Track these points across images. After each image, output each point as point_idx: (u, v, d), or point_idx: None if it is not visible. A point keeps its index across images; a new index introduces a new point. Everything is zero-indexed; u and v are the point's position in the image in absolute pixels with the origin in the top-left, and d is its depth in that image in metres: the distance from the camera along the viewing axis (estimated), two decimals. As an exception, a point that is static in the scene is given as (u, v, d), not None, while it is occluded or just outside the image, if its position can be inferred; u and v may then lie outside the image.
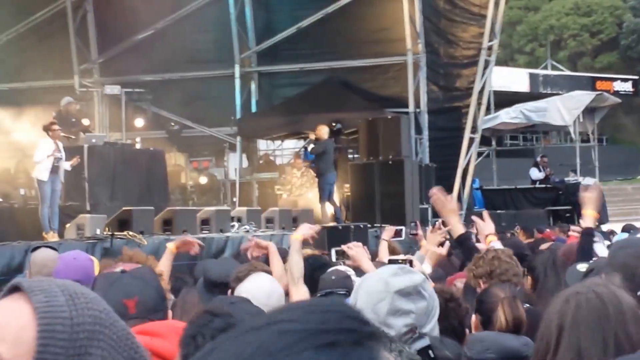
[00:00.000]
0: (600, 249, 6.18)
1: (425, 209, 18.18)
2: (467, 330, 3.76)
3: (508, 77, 37.21)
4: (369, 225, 15.07)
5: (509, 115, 23.78)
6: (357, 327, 0.93)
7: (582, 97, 23.86)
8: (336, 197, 17.17)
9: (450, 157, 19.43)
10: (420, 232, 7.50)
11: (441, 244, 5.68)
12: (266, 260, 5.62)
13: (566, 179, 23.80)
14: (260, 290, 3.97)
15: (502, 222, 17.91)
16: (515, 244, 7.82)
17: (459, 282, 5.55)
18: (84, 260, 4.71)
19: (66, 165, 12.93)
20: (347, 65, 20.46)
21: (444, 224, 5.85)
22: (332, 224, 15.55)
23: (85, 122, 16.52)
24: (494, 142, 25.37)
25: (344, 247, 5.33)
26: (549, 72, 42.21)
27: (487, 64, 19.89)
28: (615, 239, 9.60)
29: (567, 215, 20.95)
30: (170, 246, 5.67)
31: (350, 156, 20.23)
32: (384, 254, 6.70)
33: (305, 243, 5.45)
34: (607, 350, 2.19)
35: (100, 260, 5.71)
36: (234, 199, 19.02)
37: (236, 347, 0.91)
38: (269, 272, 4.87)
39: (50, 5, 21.32)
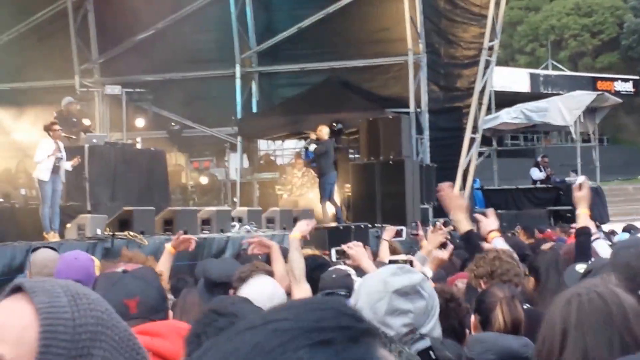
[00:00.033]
0: (603, 246, 6.16)
1: (426, 209, 18.20)
2: (467, 331, 3.76)
3: (509, 77, 37.19)
4: (369, 226, 15.07)
5: (509, 116, 23.77)
6: (353, 325, 0.93)
7: (583, 97, 23.85)
8: (337, 197, 17.16)
9: (451, 157, 19.43)
10: (421, 232, 7.50)
11: (442, 245, 5.68)
12: (267, 260, 5.63)
13: (567, 179, 23.77)
14: (263, 293, 3.97)
15: (503, 222, 17.83)
16: (516, 244, 7.81)
17: (460, 282, 5.55)
18: (85, 260, 4.72)
19: (67, 166, 12.93)
20: (348, 65, 20.46)
21: (444, 224, 5.85)
22: (332, 224, 15.55)
23: (86, 122, 16.52)
24: (494, 142, 25.36)
25: (344, 246, 5.34)
26: (550, 72, 42.20)
27: (487, 64, 19.89)
28: (616, 239, 9.61)
29: (568, 215, 20.91)
30: (168, 247, 5.68)
31: (351, 156, 20.22)
32: (384, 254, 6.70)
33: (306, 242, 5.45)
34: (613, 350, 2.20)
35: (100, 260, 5.72)
36: (235, 199, 19.02)
37: (232, 347, 0.91)
38: (271, 272, 4.87)
39: (50, 5, 21.32)
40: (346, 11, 20.16)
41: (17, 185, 15.68)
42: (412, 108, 19.35)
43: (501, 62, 34.62)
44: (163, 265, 5.42)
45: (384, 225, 13.63)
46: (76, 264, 4.58)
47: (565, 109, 22.78)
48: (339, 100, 19.19)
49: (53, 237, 12.15)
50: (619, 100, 26.94)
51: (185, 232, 6.75)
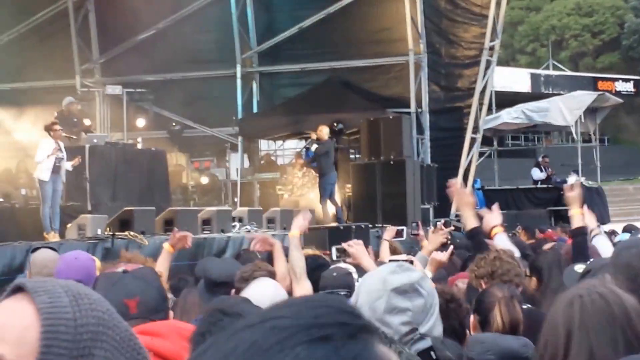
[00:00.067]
0: (603, 242, 6.15)
1: (426, 209, 18.20)
2: (467, 331, 3.76)
3: (510, 77, 37.18)
4: (370, 226, 15.06)
5: (510, 116, 23.77)
6: (351, 321, 0.93)
7: (584, 97, 23.85)
8: (338, 197, 17.17)
9: (451, 157, 19.43)
10: (421, 232, 7.51)
11: (443, 245, 5.69)
12: (268, 258, 5.63)
13: (568, 179, 23.78)
14: (265, 295, 3.98)
15: (504, 222, 17.89)
16: (517, 244, 7.81)
17: (460, 282, 5.56)
18: (86, 260, 4.71)
19: (67, 166, 12.94)
20: (349, 66, 20.46)
21: (445, 224, 5.86)
22: (333, 224, 15.55)
23: (87, 122, 16.53)
24: (495, 142, 25.37)
25: (344, 244, 5.34)
26: (551, 72, 42.19)
27: (488, 64, 19.88)
28: (616, 239, 9.60)
29: (569, 215, 20.91)
30: (166, 246, 5.67)
31: (351, 156, 20.23)
32: (385, 254, 6.70)
33: (306, 242, 5.45)
34: (618, 349, 2.21)
35: (100, 260, 5.71)
36: (235, 199, 19.01)
37: (230, 345, 0.91)
38: (273, 272, 4.87)
39: (51, 6, 21.32)
40: (347, 11, 20.16)
41: (18, 185, 15.68)
42: (412, 108, 19.35)
43: (502, 62, 34.62)
44: (162, 265, 5.42)
45: (384, 225, 13.63)
46: (77, 264, 4.58)
47: (566, 109, 22.78)
48: (339, 101, 19.19)
49: (53, 237, 12.15)
50: (620, 100, 26.95)
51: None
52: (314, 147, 17.02)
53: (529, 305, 4.41)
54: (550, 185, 23.51)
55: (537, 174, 24.09)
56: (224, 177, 20.36)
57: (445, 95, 20.07)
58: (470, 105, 19.74)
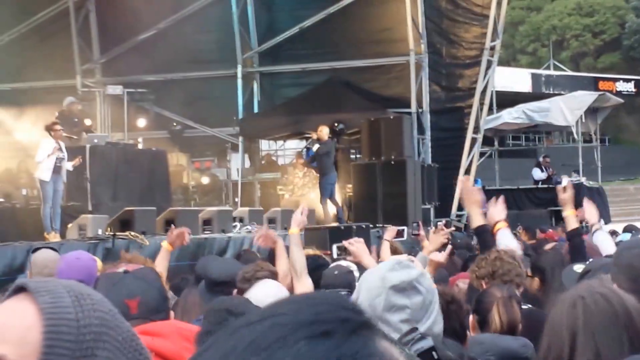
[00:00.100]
0: (604, 238, 6.14)
1: (427, 210, 18.19)
2: (468, 332, 3.76)
3: (510, 77, 37.17)
4: (371, 226, 15.05)
5: (511, 116, 23.79)
6: (352, 317, 0.92)
7: (585, 98, 23.86)
8: (338, 197, 17.17)
9: (452, 157, 19.43)
10: (422, 232, 7.51)
11: (443, 246, 5.69)
12: (269, 257, 5.63)
13: (560, 180, 23.78)
14: (268, 297, 3.98)
15: (505, 222, 17.89)
16: (517, 244, 7.81)
17: (461, 283, 5.56)
18: (87, 260, 4.72)
19: (68, 166, 12.93)
20: (349, 66, 20.46)
21: (446, 225, 5.86)
22: (334, 224, 15.54)
23: (88, 122, 16.53)
24: (496, 142, 25.38)
25: (345, 242, 5.35)
26: (552, 72, 42.16)
27: (489, 64, 19.88)
28: (617, 239, 9.58)
29: (563, 217, 20.91)
30: (165, 244, 5.66)
31: (352, 156, 20.23)
32: (386, 255, 6.70)
33: (307, 242, 5.46)
34: (623, 349, 2.22)
35: (101, 260, 5.71)
36: (236, 199, 19.01)
37: (230, 344, 0.91)
38: (275, 273, 4.88)
39: (52, 6, 21.33)
40: (347, 11, 20.17)
41: (19, 185, 15.68)
42: (413, 108, 19.35)
43: (503, 62, 34.61)
44: (160, 263, 5.41)
45: (385, 225, 13.63)
46: (78, 264, 4.58)
47: (566, 109, 22.79)
48: (340, 101, 19.20)
49: (54, 237, 12.14)
50: (621, 100, 26.97)
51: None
52: (315, 147, 17.01)
53: (529, 306, 4.41)
54: (551, 185, 23.48)
55: (538, 174, 24.10)
56: (224, 177, 20.36)
57: (446, 95, 20.07)
58: (471, 105, 19.74)
